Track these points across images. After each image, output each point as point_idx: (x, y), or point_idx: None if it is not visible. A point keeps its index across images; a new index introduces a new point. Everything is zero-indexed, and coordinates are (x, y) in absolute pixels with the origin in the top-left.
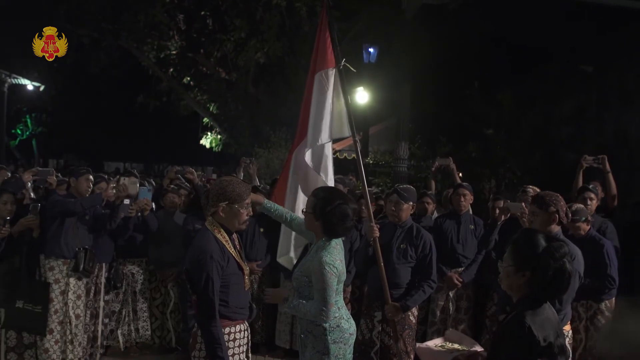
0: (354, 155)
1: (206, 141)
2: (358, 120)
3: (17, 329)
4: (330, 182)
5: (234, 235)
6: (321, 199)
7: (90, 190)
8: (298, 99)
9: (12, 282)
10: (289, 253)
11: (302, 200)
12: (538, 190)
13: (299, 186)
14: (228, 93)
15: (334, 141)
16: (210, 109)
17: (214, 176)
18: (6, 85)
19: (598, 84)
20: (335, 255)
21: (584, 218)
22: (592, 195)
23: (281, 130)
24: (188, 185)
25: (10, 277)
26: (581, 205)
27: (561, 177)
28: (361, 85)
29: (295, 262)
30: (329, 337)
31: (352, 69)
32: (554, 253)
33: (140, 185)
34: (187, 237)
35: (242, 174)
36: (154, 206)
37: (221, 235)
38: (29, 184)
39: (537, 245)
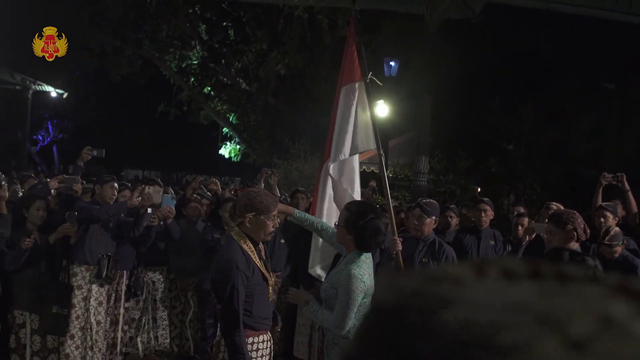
0: (372, 167)
1: (225, 151)
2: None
3: (51, 333)
4: (357, 196)
5: (260, 246)
6: (354, 212)
7: (115, 197)
8: (318, 110)
9: (37, 286)
10: (320, 264)
11: (333, 213)
12: (562, 207)
13: (326, 199)
14: (248, 103)
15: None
16: (230, 119)
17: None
18: (30, 91)
19: (619, 100)
20: (365, 269)
21: (620, 242)
22: (608, 214)
23: (300, 142)
24: (210, 195)
25: (35, 281)
26: (618, 229)
27: (581, 193)
28: (381, 99)
29: (325, 274)
30: None
31: (378, 82)
32: None
33: (163, 194)
34: (206, 246)
35: (263, 185)
36: None
37: (247, 245)
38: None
39: (562, 262)
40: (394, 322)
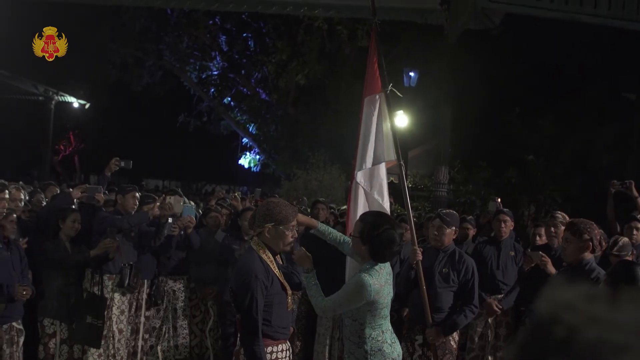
0: (392, 178)
1: (245, 161)
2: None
3: (81, 343)
4: (386, 205)
5: (278, 256)
6: (368, 223)
7: (136, 207)
8: (337, 120)
9: (67, 296)
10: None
11: None
12: (567, 216)
13: (359, 209)
14: (268, 114)
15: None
16: (250, 129)
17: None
18: (53, 102)
19: None
20: (377, 278)
21: (629, 252)
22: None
23: (320, 152)
24: (230, 205)
25: (65, 291)
26: (627, 239)
27: (602, 204)
28: (400, 109)
29: None
30: None
31: (398, 94)
32: None
33: (184, 204)
34: (222, 258)
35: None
36: None
37: (266, 255)
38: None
39: (636, 278)
40: (544, 333)
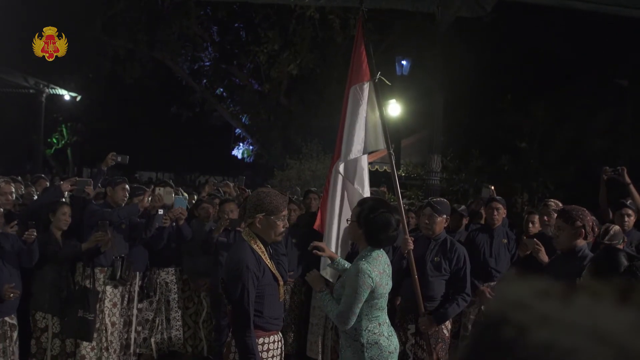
0: (385, 167)
1: (238, 152)
2: (390, 133)
3: (73, 337)
4: (366, 194)
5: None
6: (367, 207)
7: (126, 199)
8: (330, 110)
9: (59, 290)
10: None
11: (344, 213)
12: (560, 204)
13: (337, 199)
14: (260, 104)
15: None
16: (243, 120)
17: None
18: (44, 95)
19: (633, 97)
20: (375, 265)
21: (621, 240)
22: (630, 212)
23: (313, 142)
24: (223, 196)
25: (57, 284)
26: (618, 228)
27: (595, 191)
28: (393, 98)
29: (336, 275)
30: (367, 354)
31: (387, 82)
32: (636, 272)
33: (175, 195)
34: (207, 246)
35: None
36: None
37: (257, 246)
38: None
39: (619, 264)
40: (493, 333)
